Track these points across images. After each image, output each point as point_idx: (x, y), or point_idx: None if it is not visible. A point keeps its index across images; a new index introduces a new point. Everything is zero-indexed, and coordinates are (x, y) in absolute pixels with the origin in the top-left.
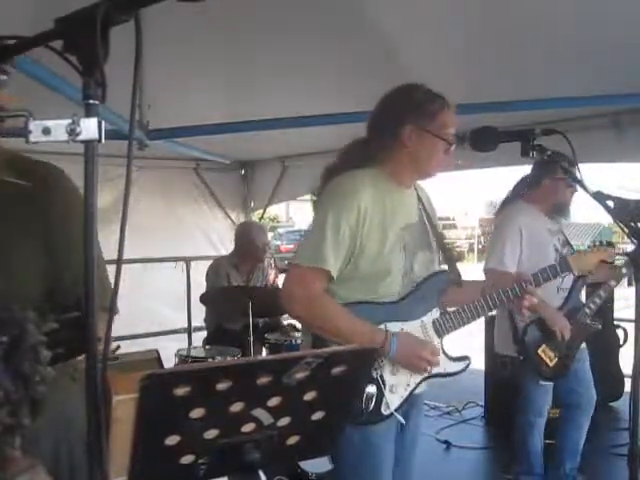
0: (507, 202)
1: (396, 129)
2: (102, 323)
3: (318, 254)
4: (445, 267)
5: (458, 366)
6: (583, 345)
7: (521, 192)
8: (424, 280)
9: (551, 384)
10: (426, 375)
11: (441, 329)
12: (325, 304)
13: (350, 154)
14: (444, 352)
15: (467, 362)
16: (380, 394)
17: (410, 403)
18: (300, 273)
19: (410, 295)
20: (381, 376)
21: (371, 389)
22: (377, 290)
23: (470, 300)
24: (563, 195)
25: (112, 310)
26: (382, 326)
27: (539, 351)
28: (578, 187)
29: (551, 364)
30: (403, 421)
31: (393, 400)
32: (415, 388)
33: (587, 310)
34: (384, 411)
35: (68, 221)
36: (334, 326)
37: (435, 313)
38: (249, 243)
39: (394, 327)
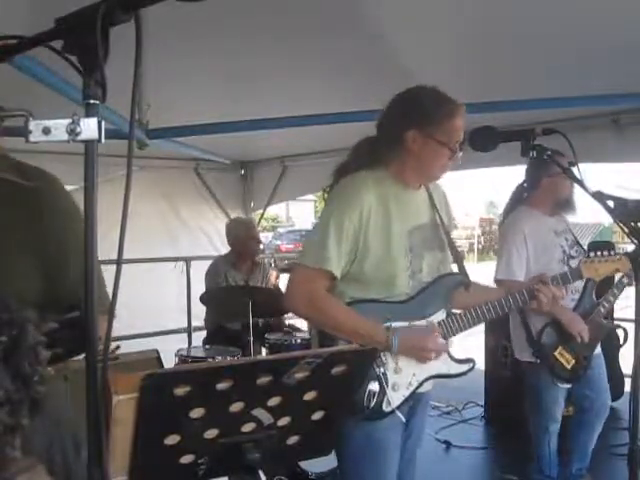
0: (509, 210)
1: (401, 132)
2: (101, 326)
3: (321, 255)
4: (455, 269)
5: (462, 368)
6: (598, 350)
7: (520, 198)
8: (433, 281)
9: (566, 387)
10: (429, 375)
11: (446, 331)
12: (327, 304)
13: (360, 152)
14: (449, 354)
15: (471, 364)
16: (382, 391)
17: (416, 399)
18: (304, 273)
19: (418, 295)
20: (384, 374)
21: (373, 386)
22: (384, 291)
23: (477, 304)
24: (563, 190)
25: (112, 310)
26: (387, 324)
27: (556, 353)
28: (578, 187)
29: (568, 366)
30: (404, 419)
31: (394, 398)
32: (418, 387)
33: (602, 309)
34: (385, 408)
35: (66, 226)
36: (336, 325)
37: (441, 314)
38: (237, 240)
39: (399, 327)
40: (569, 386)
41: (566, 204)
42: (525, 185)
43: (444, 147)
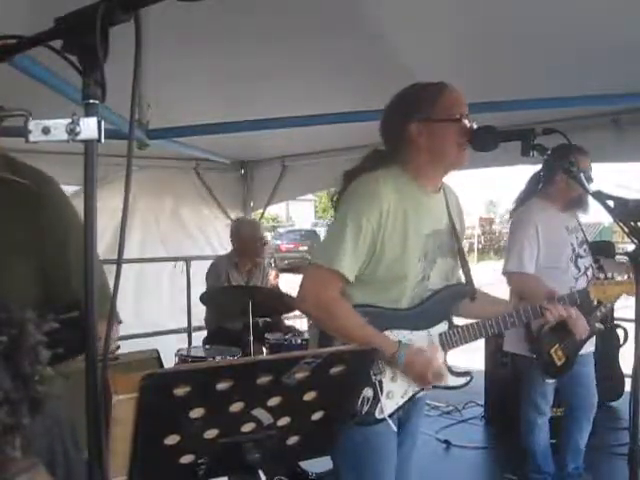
0: (521, 201)
1: (404, 131)
2: (102, 329)
3: (336, 256)
4: (462, 279)
5: (459, 381)
6: (590, 349)
7: (535, 189)
8: (439, 290)
9: (554, 383)
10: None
11: (447, 343)
12: (338, 308)
13: (371, 160)
14: (447, 366)
15: (468, 378)
16: (376, 398)
17: (412, 402)
18: (317, 274)
19: (422, 304)
20: (380, 381)
21: (368, 392)
22: (390, 294)
23: (482, 315)
24: (576, 188)
25: (112, 311)
26: (389, 332)
27: (551, 351)
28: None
29: (559, 364)
30: (395, 428)
31: (388, 406)
32: (413, 396)
33: (598, 314)
34: (378, 415)
35: (62, 225)
36: (345, 331)
37: (443, 326)
38: (243, 240)
39: (401, 335)
40: (554, 381)
41: (578, 202)
42: (541, 174)
43: (448, 124)
